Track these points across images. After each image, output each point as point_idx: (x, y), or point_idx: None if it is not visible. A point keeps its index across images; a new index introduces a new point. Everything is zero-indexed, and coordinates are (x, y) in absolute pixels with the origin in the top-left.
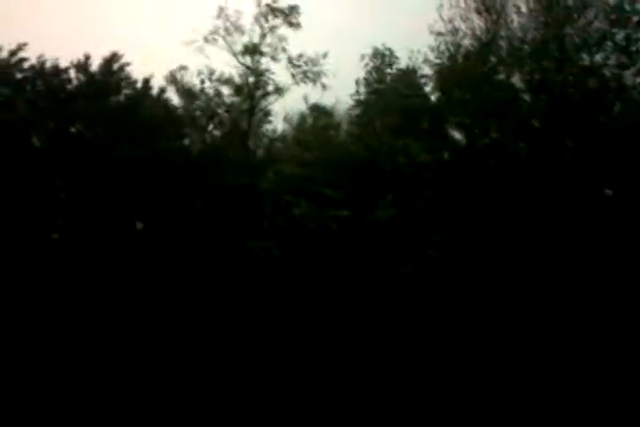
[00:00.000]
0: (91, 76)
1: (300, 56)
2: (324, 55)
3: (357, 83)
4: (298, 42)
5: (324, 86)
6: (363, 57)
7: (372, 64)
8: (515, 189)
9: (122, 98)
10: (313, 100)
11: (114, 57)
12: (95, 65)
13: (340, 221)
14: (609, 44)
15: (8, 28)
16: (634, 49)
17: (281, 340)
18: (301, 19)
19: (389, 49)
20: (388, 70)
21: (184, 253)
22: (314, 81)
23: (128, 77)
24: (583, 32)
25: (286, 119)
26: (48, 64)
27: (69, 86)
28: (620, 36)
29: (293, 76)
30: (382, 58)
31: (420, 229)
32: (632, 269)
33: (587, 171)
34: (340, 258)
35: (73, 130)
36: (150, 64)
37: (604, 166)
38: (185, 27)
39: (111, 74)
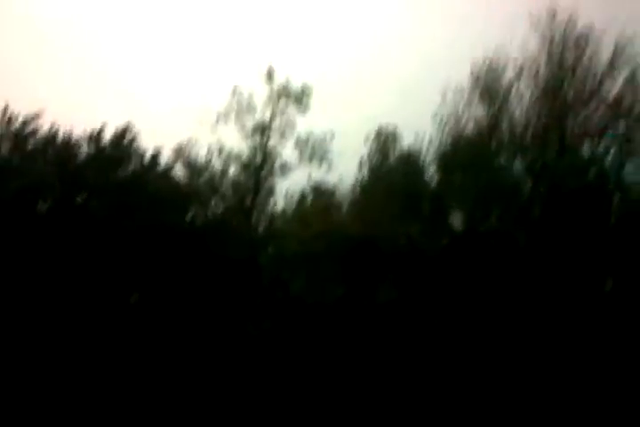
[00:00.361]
0: (101, 149)
1: (308, 136)
2: (332, 136)
3: (361, 163)
4: (306, 119)
5: (329, 166)
6: (367, 137)
7: (375, 144)
8: (513, 277)
9: (130, 170)
10: (317, 177)
11: (126, 129)
12: (107, 136)
13: (337, 298)
14: (610, 135)
15: (24, 95)
16: (634, 141)
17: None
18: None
19: (394, 129)
20: (392, 151)
21: (178, 327)
22: (320, 161)
23: (137, 150)
24: (584, 123)
25: (287, 197)
26: (60, 134)
27: (79, 157)
28: (620, 127)
29: (300, 155)
30: (386, 137)
31: (420, 314)
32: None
33: (586, 262)
34: (336, 335)
35: (79, 199)
36: (163, 135)
37: (604, 258)
38: (198, 101)
39: (121, 147)
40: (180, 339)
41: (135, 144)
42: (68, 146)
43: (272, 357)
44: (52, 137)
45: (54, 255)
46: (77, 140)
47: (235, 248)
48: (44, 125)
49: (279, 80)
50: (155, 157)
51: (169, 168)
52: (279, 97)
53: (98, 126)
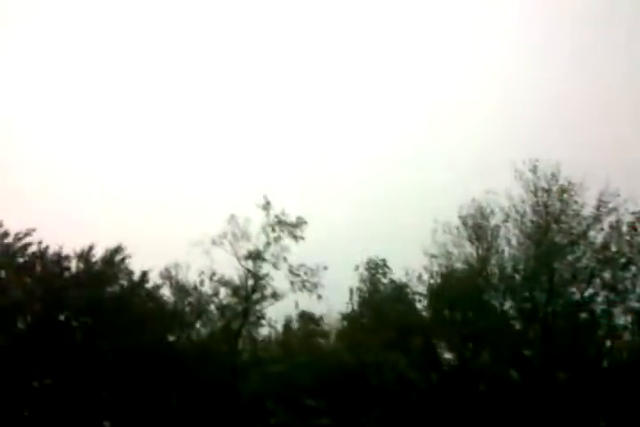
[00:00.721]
0: (90, 267)
1: (301, 266)
2: (325, 267)
3: (351, 292)
4: (300, 249)
5: (319, 296)
6: (357, 267)
7: (366, 274)
8: (506, 414)
9: (117, 289)
10: (305, 306)
11: (118, 249)
12: (97, 254)
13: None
14: (597, 281)
15: (17, 212)
16: (621, 288)
17: None
18: (305, 230)
19: (383, 260)
20: (382, 281)
21: None
22: (310, 291)
23: (127, 269)
24: (572, 267)
25: (270, 324)
26: (51, 251)
27: (67, 274)
28: (607, 274)
29: (292, 284)
30: (376, 268)
31: None
32: None
33: (579, 404)
34: None
35: (61, 317)
36: (156, 257)
37: (597, 401)
38: (193, 225)
39: (111, 265)
40: None
41: (124, 264)
42: (58, 262)
43: None
44: (40, 253)
45: (30, 373)
46: (67, 258)
47: (216, 373)
48: (36, 241)
49: (275, 210)
50: (143, 277)
51: (155, 288)
52: (274, 226)
53: (88, 245)
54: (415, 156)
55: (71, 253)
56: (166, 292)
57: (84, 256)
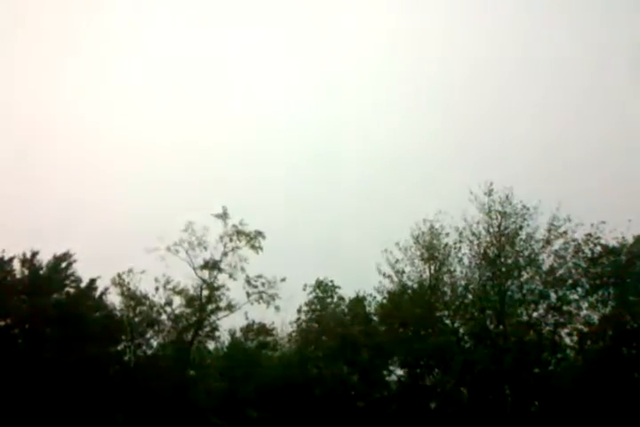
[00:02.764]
0: (35, 272)
1: (259, 277)
2: (282, 279)
3: (299, 311)
4: (257, 260)
5: (277, 308)
6: (305, 286)
7: (315, 293)
8: None
9: (63, 296)
10: (263, 318)
11: (65, 255)
12: (43, 260)
13: None
14: (545, 302)
15: None
16: (567, 309)
17: None
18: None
19: (332, 281)
20: (329, 300)
21: None
22: (267, 302)
23: (74, 276)
24: (522, 289)
25: (215, 337)
26: None
27: (9, 279)
28: (554, 296)
29: (248, 295)
30: (325, 288)
31: None
32: None
33: (526, 422)
34: None
35: (2, 323)
36: (109, 264)
37: (543, 420)
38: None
39: (58, 271)
40: None
41: (71, 270)
42: (1, 267)
43: None
44: None
45: None
46: (10, 262)
47: (165, 386)
48: None
49: (233, 221)
50: (91, 284)
51: (103, 294)
52: (232, 236)
53: (32, 250)
54: (374, 174)
55: (15, 259)
56: (116, 300)
57: (29, 261)
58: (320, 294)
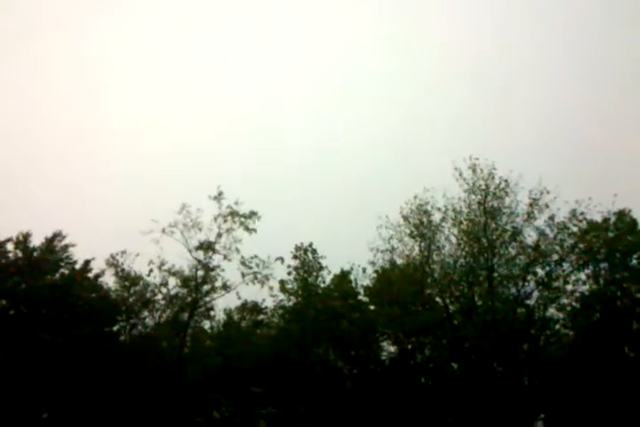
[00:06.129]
0: (29, 254)
1: (253, 258)
2: (277, 259)
3: (281, 283)
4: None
5: (271, 288)
6: (281, 259)
7: (298, 261)
8: (447, 406)
9: (57, 277)
10: (256, 296)
11: (57, 235)
12: (36, 242)
13: (268, 417)
14: (532, 278)
15: None
16: (555, 285)
17: None
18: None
19: (310, 244)
20: (313, 266)
21: None
22: (262, 283)
23: (69, 258)
24: (508, 265)
25: (210, 316)
26: None
27: (3, 261)
28: (541, 272)
29: (243, 275)
30: (305, 253)
31: None
32: None
33: (516, 396)
34: None
35: None
36: (103, 247)
37: (534, 393)
38: (144, 213)
39: (52, 253)
40: None
41: (66, 252)
42: None
43: None
44: None
45: None
46: (3, 244)
47: (162, 365)
48: None
49: (228, 202)
50: (85, 266)
51: (97, 276)
52: (226, 217)
53: (26, 231)
54: (367, 150)
55: (7, 241)
56: (111, 281)
57: (22, 243)
58: (302, 260)
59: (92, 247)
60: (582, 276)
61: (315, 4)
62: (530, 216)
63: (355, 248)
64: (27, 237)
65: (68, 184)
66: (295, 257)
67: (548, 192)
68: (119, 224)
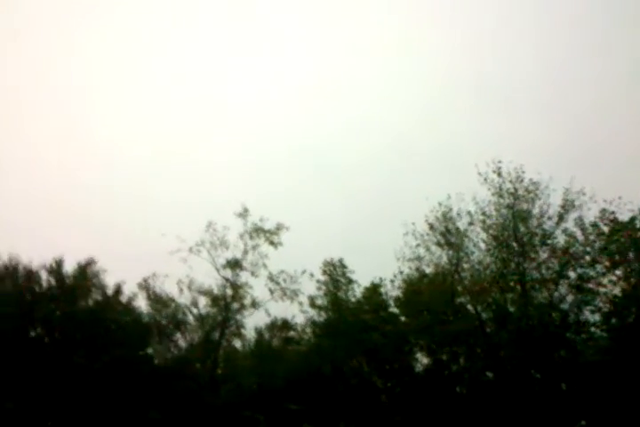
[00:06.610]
0: (61, 280)
1: (281, 273)
2: (303, 272)
3: (311, 299)
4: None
5: (300, 304)
6: (312, 275)
7: (327, 277)
8: (484, 416)
9: (90, 303)
10: (286, 313)
11: (90, 262)
12: (69, 268)
13: None
14: (565, 282)
15: None
16: (587, 287)
17: None
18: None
19: (340, 260)
20: (342, 280)
21: None
22: (291, 298)
23: (100, 283)
24: (540, 269)
25: (241, 335)
26: (20, 266)
27: (38, 289)
28: (573, 275)
29: (271, 292)
30: (334, 269)
31: None
32: None
33: (555, 403)
34: None
35: (33, 334)
36: (133, 271)
37: (572, 398)
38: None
39: (84, 279)
40: None
41: (97, 277)
42: (29, 277)
43: None
44: (12, 267)
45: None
46: (37, 272)
47: (195, 386)
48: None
49: (253, 218)
50: (117, 290)
51: (130, 300)
52: (252, 234)
53: (58, 257)
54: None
55: (41, 268)
56: (142, 304)
57: (55, 270)
58: (331, 275)
59: (118, 270)
60: (614, 277)
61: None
62: (561, 218)
63: (383, 258)
64: (59, 263)
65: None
66: (324, 272)
67: (584, 193)
68: (142, 248)
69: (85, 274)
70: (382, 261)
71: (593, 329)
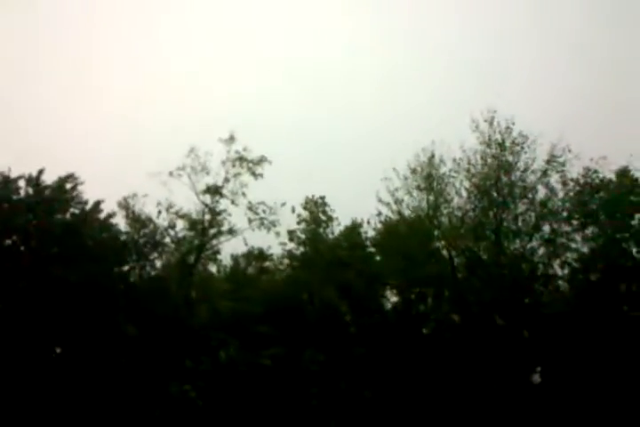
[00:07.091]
0: (40, 191)
1: (260, 204)
2: (283, 204)
3: (289, 233)
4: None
5: (277, 234)
6: (293, 208)
7: (308, 213)
8: (447, 357)
9: (68, 216)
10: (262, 243)
11: (70, 176)
12: (48, 181)
13: (274, 358)
14: (539, 234)
15: None
16: (560, 241)
17: None
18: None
19: (322, 197)
20: (322, 217)
21: (98, 384)
22: (268, 228)
23: (79, 197)
24: (516, 221)
25: (217, 261)
26: None
27: (14, 198)
28: (547, 229)
29: (250, 221)
30: (316, 206)
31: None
32: None
33: (515, 350)
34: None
35: (8, 242)
36: (112, 189)
37: (533, 347)
38: (153, 157)
39: (63, 192)
40: (98, 397)
41: (77, 191)
42: (5, 185)
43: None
44: None
45: None
46: (15, 181)
47: (169, 306)
48: None
49: (237, 147)
50: (96, 206)
51: (110, 216)
52: (234, 162)
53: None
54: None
55: (20, 178)
56: (122, 223)
57: (34, 181)
58: (311, 212)
59: (98, 189)
60: (586, 234)
61: None
62: (545, 174)
63: (366, 200)
64: (39, 174)
65: (72, 127)
66: (305, 208)
67: (569, 150)
68: (127, 168)
69: (64, 187)
70: (367, 202)
71: (560, 282)
